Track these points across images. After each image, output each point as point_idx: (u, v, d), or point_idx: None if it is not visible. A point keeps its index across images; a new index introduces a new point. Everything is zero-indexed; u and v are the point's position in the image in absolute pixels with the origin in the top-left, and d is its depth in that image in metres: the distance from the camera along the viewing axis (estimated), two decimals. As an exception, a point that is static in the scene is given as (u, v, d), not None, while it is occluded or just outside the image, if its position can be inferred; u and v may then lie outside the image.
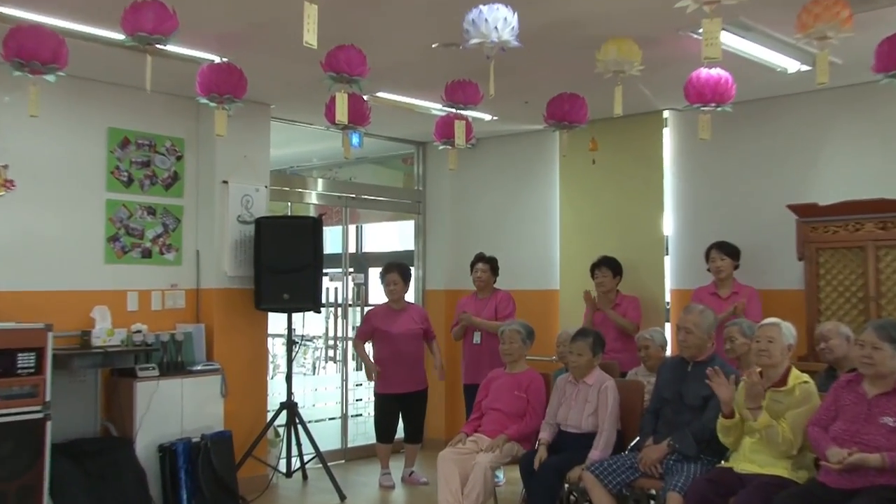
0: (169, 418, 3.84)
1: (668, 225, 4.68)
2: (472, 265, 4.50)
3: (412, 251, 5.79)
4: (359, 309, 5.53)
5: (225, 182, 4.28)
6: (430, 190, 5.71)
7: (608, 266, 4.44)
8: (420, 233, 5.74)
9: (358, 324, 5.32)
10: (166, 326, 4.15)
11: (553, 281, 5.07)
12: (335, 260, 5.42)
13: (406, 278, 4.34)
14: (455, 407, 5.33)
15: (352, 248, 6.21)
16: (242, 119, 4.17)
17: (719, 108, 2.89)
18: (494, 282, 4.50)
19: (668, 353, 3.87)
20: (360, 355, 4.31)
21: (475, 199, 5.55)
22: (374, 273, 5.57)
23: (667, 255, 4.64)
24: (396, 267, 4.33)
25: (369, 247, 7.17)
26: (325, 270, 4.46)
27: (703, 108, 2.87)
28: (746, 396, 2.69)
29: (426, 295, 5.65)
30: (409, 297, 4.91)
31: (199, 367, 4.06)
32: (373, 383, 4.42)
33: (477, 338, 4.35)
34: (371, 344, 4.42)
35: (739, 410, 2.73)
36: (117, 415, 3.74)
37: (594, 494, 2.98)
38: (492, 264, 4.47)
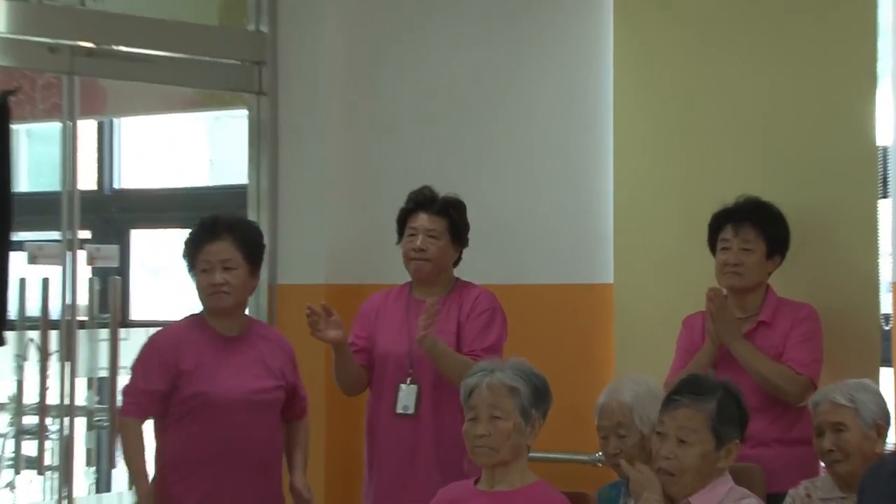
0: None
1: (889, 126, 4.68)
2: (403, 218, 4.55)
3: (242, 188, 5.77)
4: (105, 334, 5.44)
5: None
6: (288, 36, 5.70)
7: (757, 223, 4.40)
8: (263, 144, 5.69)
9: (124, 371, 5.04)
10: None
11: (599, 265, 5.09)
12: (43, 208, 5.41)
13: (253, 253, 4.30)
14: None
15: (88, 182, 6.13)
16: None
17: None
18: (456, 261, 4.54)
19: (891, 443, 3.94)
20: (129, 455, 4.23)
21: (404, 62, 5.56)
22: (144, 240, 5.66)
23: (883, 197, 4.62)
24: (228, 227, 4.26)
25: (132, 178, 7.05)
26: (15, 236, 4.58)
27: None
28: None
29: (275, 295, 5.67)
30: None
31: None
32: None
33: (406, 399, 4.40)
34: (159, 425, 4.34)
35: None
36: None
37: None
38: (450, 217, 4.50)
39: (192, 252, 4.19)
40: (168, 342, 4.20)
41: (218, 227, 4.19)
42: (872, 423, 3.66)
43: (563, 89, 5.20)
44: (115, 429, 4.86)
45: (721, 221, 4.38)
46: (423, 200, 4.46)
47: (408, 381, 4.34)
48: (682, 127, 4.88)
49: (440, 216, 4.43)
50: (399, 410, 4.34)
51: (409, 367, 4.34)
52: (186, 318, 4.29)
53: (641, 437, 3.62)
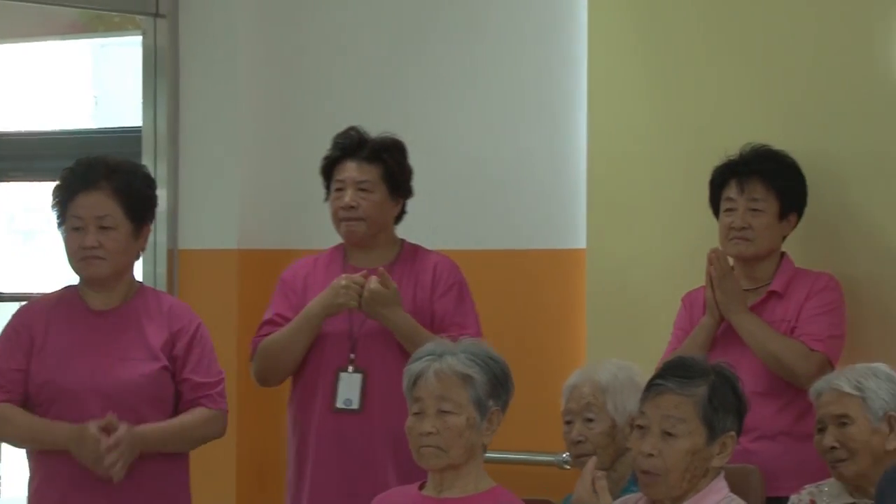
0: None
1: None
2: (328, 169, 4.50)
3: (135, 132, 5.73)
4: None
5: None
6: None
7: (766, 177, 4.35)
8: (160, 77, 5.65)
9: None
10: None
11: (570, 227, 5.07)
12: None
13: (137, 208, 4.15)
14: None
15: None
16: None
17: None
18: (396, 219, 4.50)
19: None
20: (16, 432, 4.13)
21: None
22: (13, 195, 6.10)
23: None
24: (107, 174, 4.11)
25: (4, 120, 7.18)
26: None
27: None
28: None
29: (176, 263, 5.63)
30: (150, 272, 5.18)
31: None
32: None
33: (348, 391, 4.34)
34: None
35: None
36: None
37: None
38: (385, 163, 4.44)
39: (62, 204, 4.06)
40: (24, 317, 4.14)
41: (92, 174, 4.06)
42: (883, 416, 3.68)
43: (526, 9, 5.14)
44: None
45: (724, 176, 4.31)
46: (349, 145, 4.41)
47: (349, 369, 4.33)
48: (672, 60, 4.85)
49: (372, 163, 4.38)
50: (339, 405, 4.32)
51: (351, 351, 4.32)
52: (61, 288, 4.19)
53: (612, 426, 3.70)
